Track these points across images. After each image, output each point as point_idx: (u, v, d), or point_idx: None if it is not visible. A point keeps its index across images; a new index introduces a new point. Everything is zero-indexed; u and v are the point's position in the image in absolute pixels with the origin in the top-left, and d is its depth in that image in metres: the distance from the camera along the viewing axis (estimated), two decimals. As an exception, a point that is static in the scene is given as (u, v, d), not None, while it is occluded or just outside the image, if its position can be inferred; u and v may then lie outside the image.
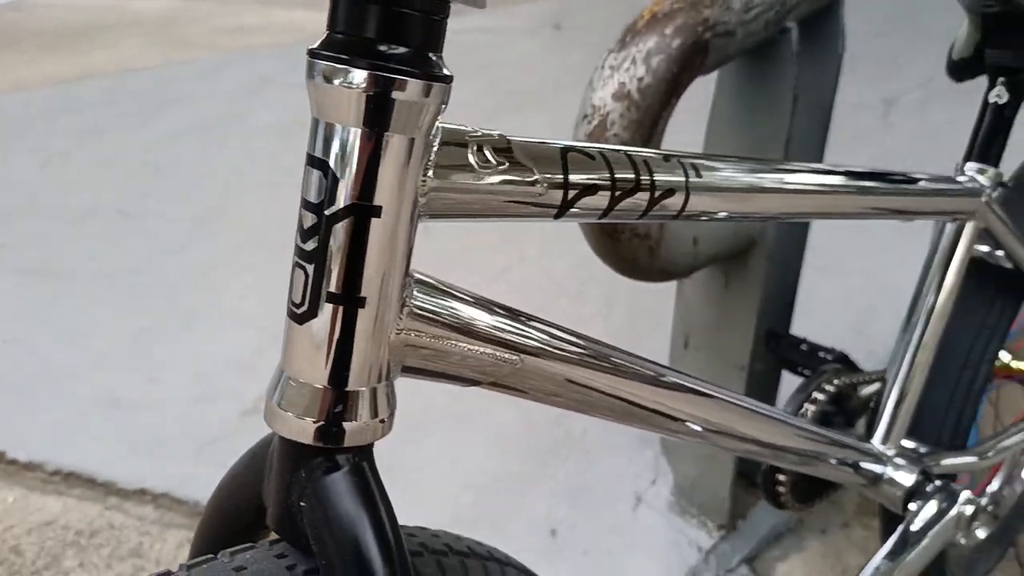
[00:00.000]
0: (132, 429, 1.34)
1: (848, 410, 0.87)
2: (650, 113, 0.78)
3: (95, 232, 1.98)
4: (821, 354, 1.00)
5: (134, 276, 1.78)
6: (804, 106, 0.93)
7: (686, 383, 0.53)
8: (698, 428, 0.57)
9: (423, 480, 1.29)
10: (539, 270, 1.74)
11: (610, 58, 0.79)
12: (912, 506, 0.74)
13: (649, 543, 1.18)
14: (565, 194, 0.36)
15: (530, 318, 0.39)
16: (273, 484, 0.34)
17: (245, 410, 1.41)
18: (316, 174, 0.30)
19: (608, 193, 0.38)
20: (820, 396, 0.81)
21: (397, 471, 1.30)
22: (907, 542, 0.69)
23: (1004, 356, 1.06)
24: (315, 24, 4.11)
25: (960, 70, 0.80)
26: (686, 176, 0.43)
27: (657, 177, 0.41)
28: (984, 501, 1.21)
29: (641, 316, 1.58)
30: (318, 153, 0.30)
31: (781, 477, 0.81)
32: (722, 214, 0.48)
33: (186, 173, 2.30)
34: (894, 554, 0.68)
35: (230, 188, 2.21)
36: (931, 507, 0.73)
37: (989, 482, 1.21)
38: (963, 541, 0.79)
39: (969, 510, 0.74)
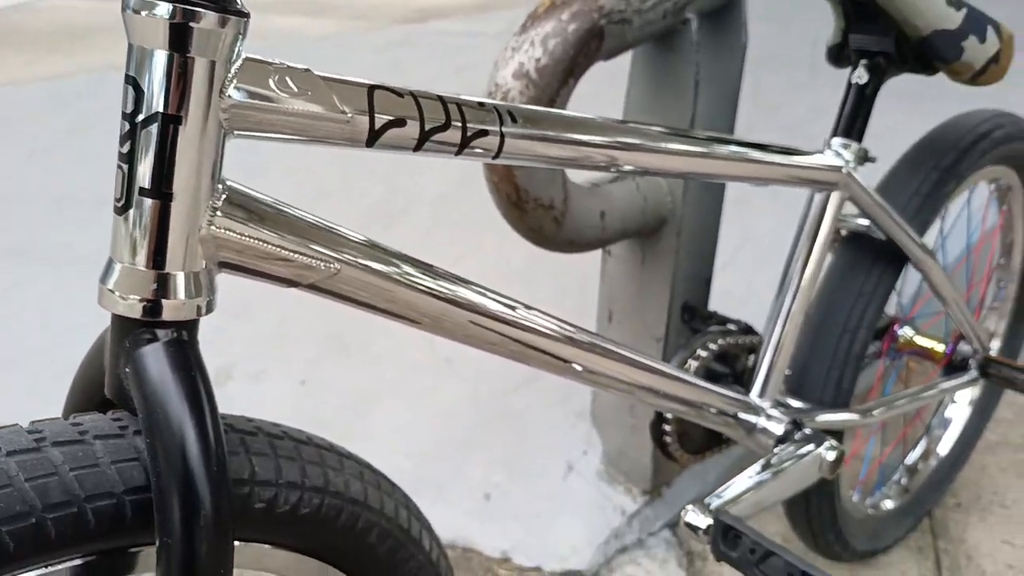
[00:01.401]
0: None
1: (738, 370, 0.94)
2: (547, 92, 0.85)
3: (77, 219, 2.07)
4: (729, 325, 1.07)
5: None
6: (707, 93, 1.01)
7: (547, 324, 0.60)
8: (559, 363, 0.64)
9: (371, 448, 1.36)
10: (494, 260, 1.81)
11: (512, 40, 0.87)
12: (778, 449, 0.81)
13: (576, 507, 1.25)
14: (372, 124, 0.44)
15: (357, 238, 0.47)
16: (108, 357, 0.41)
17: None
18: (129, 89, 0.37)
19: (417, 125, 0.46)
20: (703, 353, 0.88)
21: (346, 441, 1.37)
22: (766, 474, 0.76)
23: (909, 332, 1.13)
24: (314, 29, 4.21)
25: (835, 56, 0.87)
26: (500, 122, 0.50)
27: (469, 118, 0.48)
28: (897, 474, 1.28)
29: (592, 299, 1.65)
30: (132, 72, 0.37)
31: (667, 428, 0.88)
32: (550, 157, 0.55)
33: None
34: (753, 480, 0.74)
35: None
36: (793, 447, 0.79)
37: (893, 448, 1.28)
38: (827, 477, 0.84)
39: (831, 455, 0.80)
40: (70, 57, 3.57)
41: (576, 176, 0.99)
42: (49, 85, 3.10)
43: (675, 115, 1.01)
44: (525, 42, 0.86)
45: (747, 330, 1.01)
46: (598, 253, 1.18)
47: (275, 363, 1.54)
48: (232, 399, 1.45)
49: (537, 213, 0.92)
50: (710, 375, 0.92)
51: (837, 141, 0.83)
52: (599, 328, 1.22)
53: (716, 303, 1.20)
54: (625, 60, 1.03)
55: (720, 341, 0.90)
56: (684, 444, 0.90)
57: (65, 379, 1.65)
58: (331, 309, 1.88)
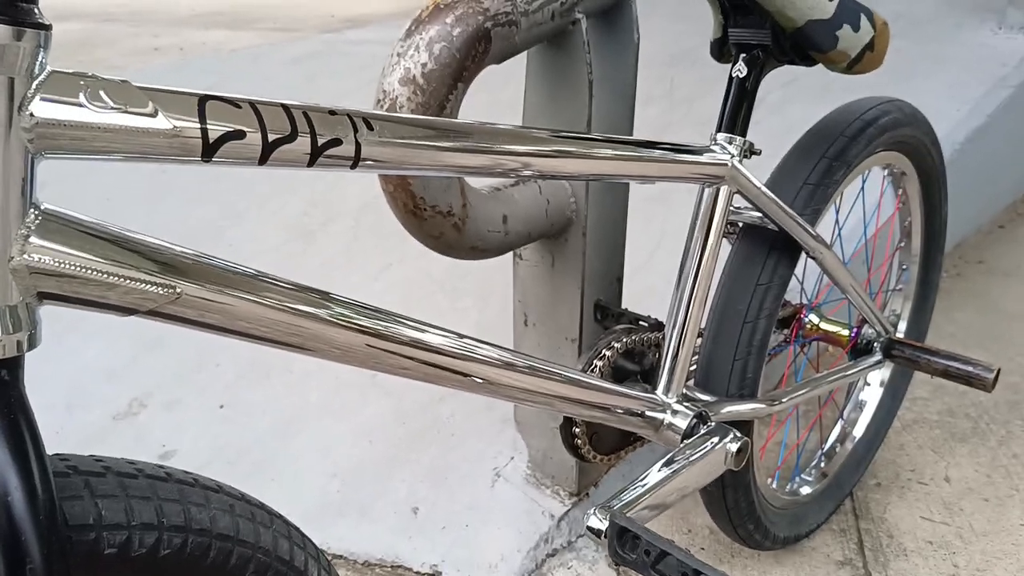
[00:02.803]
0: None
1: (645, 367, 0.94)
2: (436, 97, 0.84)
3: None
4: (640, 322, 1.07)
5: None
6: (603, 93, 1.01)
7: (434, 336, 0.58)
8: (455, 376, 0.62)
9: (295, 471, 1.32)
10: (417, 269, 1.79)
11: (397, 46, 0.85)
12: (683, 444, 0.81)
13: (505, 514, 1.23)
14: (205, 138, 0.41)
15: (193, 253, 0.44)
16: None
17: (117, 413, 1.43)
18: None
19: (259, 138, 0.44)
20: (607, 352, 0.87)
21: (269, 464, 1.33)
22: (670, 471, 0.76)
23: (814, 318, 1.15)
24: (234, 42, 4.11)
25: (718, 50, 0.88)
26: (354, 130, 0.49)
27: (319, 127, 0.47)
28: (816, 459, 1.30)
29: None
30: None
31: (576, 430, 0.87)
32: (413, 164, 0.53)
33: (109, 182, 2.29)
34: (658, 478, 0.74)
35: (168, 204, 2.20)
36: (699, 441, 0.79)
37: (808, 433, 1.30)
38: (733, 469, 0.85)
39: (735, 447, 0.80)
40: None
41: (477, 182, 0.98)
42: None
43: (572, 116, 1.01)
44: (411, 47, 0.84)
45: (657, 326, 1.02)
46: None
47: (191, 390, 1.49)
48: (147, 429, 1.39)
49: (436, 220, 0.90)
50: (619, 374, 0.92)
51: (722, 136, 0.83)
52: (516, 332, 1.22)
53: (637, 301, 1.20)
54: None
55: (624, 339, 0.90)
56: (596, 445, 0.90)
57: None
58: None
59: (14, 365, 0.38)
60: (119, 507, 0.42)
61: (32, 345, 0.38)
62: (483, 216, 0.95)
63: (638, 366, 0.94)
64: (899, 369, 1.32)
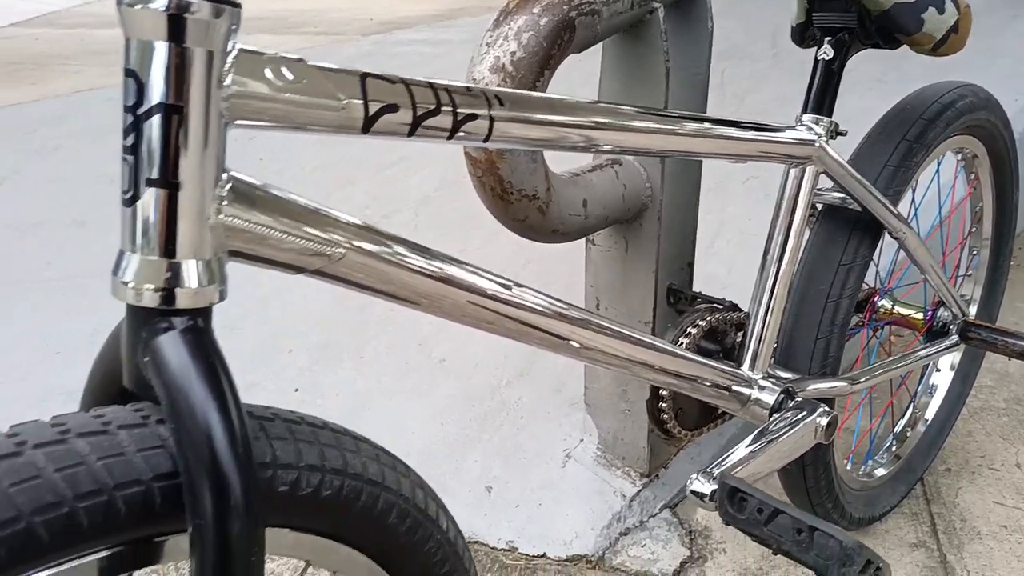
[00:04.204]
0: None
1: (727, 346, 0.96)
2: (524, 84, 0.87)
3: (51, 241, 2.05)
4: (715, 304, 1.09)
5: (90, 280, 1.85)
6: (678, 81, 1.03)
7: (545, 304, 0.61)
8: (558, 341, 0.65)
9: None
10: (478, 258, 1.82)
11: (487, 36, 0.88)
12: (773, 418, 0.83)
13: (577, 494, 1.26)
14: (366, 110, 0.45)
15: (358, 223, 0.48)
16: (125, 348, 0.42)
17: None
18: (130, 82, 0.38)
19: (410, 111, 0.47)
20: (692, 330, 0.90)
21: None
22: (764, 442, 0.78)
23: (887, 302, 1.16)
24: (281, 46, 4.20)
25: (800, 35, 0.90)
26: (489, 106, 0.52)
27: (459, 103, 0.50)
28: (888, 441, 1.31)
29: (577, 292, 1.67)
30: (131, 65, 0.38)
31: (663, 404, 0.90)
32: (537, 140, 0.56)
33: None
34: (751, 449, 0.76)
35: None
36: (788, 416, 0.81)
37: (882, 415, 1.31)
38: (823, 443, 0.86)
39: (824, 421, 0.82)
40: (32, 85, 3.54)
41: (556, 169, 1.01)
42: (13, 112, 3.07)
43: (648, 104, 1.03)
44: (499, 37, 0.87)
45: (732, 307, 1.04)
46: (580, 247, 1.20)
47: (267, 373, 1.54)
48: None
49: (522, 204, 0.93)
50: (701, 352, 0.94)
51: (808, 117, 0.85)
52: (588, 317, 1.24)
53: (699, 286, 1.22)
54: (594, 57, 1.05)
55: (708, 318, 0.92)
56: (681, 420, 0.92)
57: (46, 400, 1.63)
58: (320, 319, 1.88)
59: (207, 314, 0.42)
60: (290, 449, 0.46)
61: (222, 297, 0.42)
62: (565, 200, 0.98)
63: (719, 346, 0.96)
64: (969, 353, 1.32)
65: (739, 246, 1.72)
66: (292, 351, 1.60)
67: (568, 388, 1.43)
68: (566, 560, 1.17)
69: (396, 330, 1.64)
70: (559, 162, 0.99)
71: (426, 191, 2.11)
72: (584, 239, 1.17)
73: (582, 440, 1.34)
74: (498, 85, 0.87)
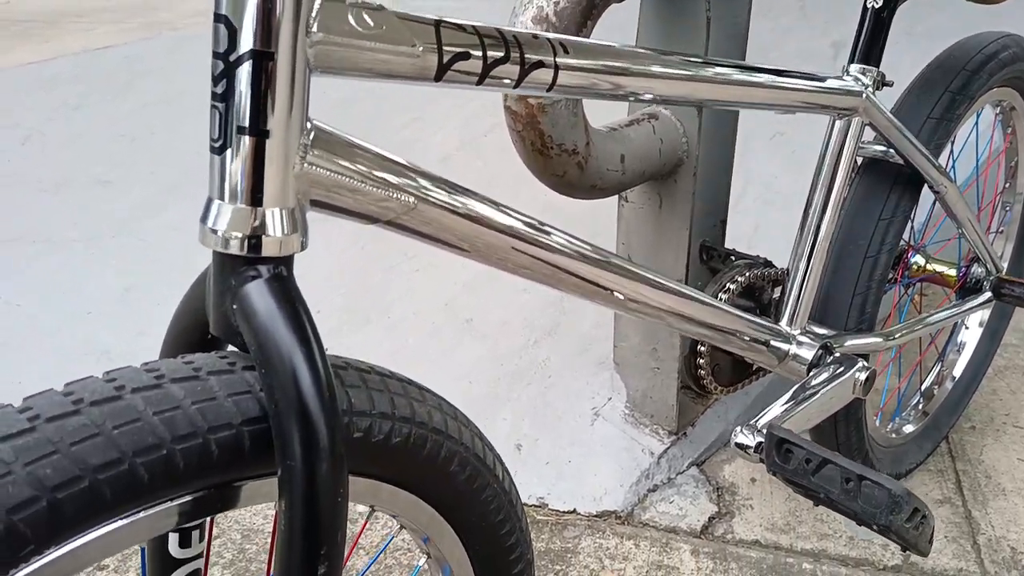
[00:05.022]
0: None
1: (763, 302, 0.96)
2: (567, 35, 0.86)
3: (76, 200, 2.06)
4: (747, 261, 1.09)
5: (116, 239, 1.86)
6: (718, 32, 1.01)
7: (594, 254, 0.62)
8: (604, 292, 0.66)
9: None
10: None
11: (529, -13, 0.87)
12: (811, 373, 0.84)
13: (606, 451, 1.28)
14: (440, 57, 0.45)
15: (430, 174, 0.48)
16: (212, 295, 0.42)
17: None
18: (221, 28, 0.38)
19: (480, 60, 0.47)
20: (731, 286, 0.90)
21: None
22: (803, 396, 0.78)
23: (920, 259, 1.16)
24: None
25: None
26: (554, 53, 0.51)
27: (527, 51, 0.50)
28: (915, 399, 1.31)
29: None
30: (223, 10, 0.38)
31: (700, 361, 0.90)
32: (596, 88, 0.56)
33: (159, 142, 2.37)
34: (791, 403, 0.77)
35: (203, 153, 2.28)
36: (827, 371, 0.82)
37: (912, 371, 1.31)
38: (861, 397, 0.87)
39: (863, 376, 0.83)
40: (45, 43, 3.51)
41: (594, 122, 1.00)
42: (30, 70, 3.06)
43: (688, 56, 1.02)
44: (542, -12, 0.86)
45: (767, 264, 1.04)
46: (603, 209, 1.20)
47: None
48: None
49: (561, 159, 0.93)
50: (738, 308, 0.95)
51: (855, 67, 0.84)
52: (618, 275, 1.24)
53: (728, 244, 1.22)
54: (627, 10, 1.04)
55: (747, 274, 0.92)
56: (717, 376, 0.93)
57: (83, 359, 1.64)
58: (347, 280, 1.89)
59: (290, 262, 0.42)
60: (364, 397, 0.46)
61: (304, 246, 0.43)
62: (603, 155, 0.98)
63: (755, 302, 0.96)
64: (998, 310, 1.32)
65: (766, 203, 1.71)
66: (320, 312, 1.61)
67: (595, 348, 1.44)
68: (596, 516, 1.19)
69: (422, 291, 1.64)
70: (595, 118, 0.98)
71: (447, 150, 2.10)
72: (616, 196, 1.17)
73: (610, 398, 1.36)
74: (540, 38, 0.86)
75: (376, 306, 1.61)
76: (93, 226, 1.93)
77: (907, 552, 1.09)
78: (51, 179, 2.17)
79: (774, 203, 1.73)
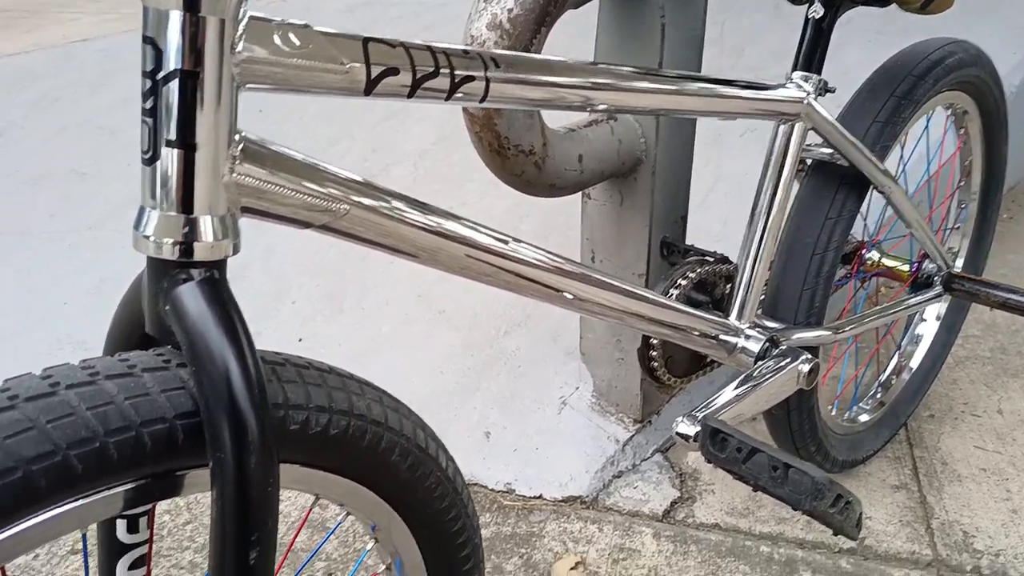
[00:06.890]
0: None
1: (716, 297, 0.99)
2: (520, 41, 0.89)
3: (53, 193, 2.07)
4: (706, 257, 1.12)
5: (93, 232, 1.88)
6: (673, 37, 1.04)
7: (540, 256, 0.65)
8: (553, 292, 0.69)
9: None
10: (477, 211, 1.85)
11: (484, -8, 0.89)
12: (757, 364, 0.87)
13: (572, 438, 1.31)
14: (368, 73, 0.47)
15: (362, 181, 0.51)
16: (147, 298, 0.45)
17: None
18: (148, 48, 0.41)
19: (409, 74, 0.49)
20: (682, 282, 0.93)
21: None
22: (748, 387, 0.82)
23: (875, 255, 1.19)
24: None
25: (794, -9, 0.91)
26: (485, 68, 0.54)
27: (456, 65, 0.52)
28: (874, 388, 1.35)
29: (572, 245, 1.70)
30: (149, 32, 0.41)
31: (653, 353, 0.93)
32: (530, 99, 0.59)
33: (138, 136, 2.38)
34: (735, 393, 0.80)
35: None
36: (772, 362, 0.85)
37: (867, 362, 1.35)
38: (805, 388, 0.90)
39: (806, 367, 0.86)
40: (27, 33, 3.50)
41: (553, 124, 1.03)
42: (9, 61, 3.05)
43: (644, 60, 1.05)
44: (497, -7, 0.88)
45: (723, 260, 1.07)
46: (576, 202, 1.23)
47: (271, 324, 1.58)
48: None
49: (519, 159, 0.96)
50: (691, 303, 0.98)
51: (798, 75, 0.87)
52: (583, 269, 1.27)
53: (694, 239, 1.25)
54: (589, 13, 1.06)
55: (698, 270, 0.95)
56: (671, 368, 0.96)
57: (60, 348, 1.66)
58: (322, 271, 1.91)
59: (222, 266, 0.45)
60: (300, 391, 0.49)
61: (235, 251, 0.45)
62: (561, 155, 1.01)
63: (708, 297, 0.99)
64: (955, 304, 1.35)
65: (735, 199, 1.74)
66: (295, 302, 1.64)
67: (564, 339, 1.47)
68: (561, 501, 1.23)
69: (396, 282, 1.67)
70: (555, 117, 1.01)
71: (424, 144, 2.12)
72: (580, 193, 1.20)
73: (577, 388, 1.39)
74: (495, 42, 0.88)
75: (352, 296, 1.64)
76: (71, 218, 1.95)
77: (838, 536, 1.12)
78: (29, 172, 2.18)
79: (743, 198, 1.76)
